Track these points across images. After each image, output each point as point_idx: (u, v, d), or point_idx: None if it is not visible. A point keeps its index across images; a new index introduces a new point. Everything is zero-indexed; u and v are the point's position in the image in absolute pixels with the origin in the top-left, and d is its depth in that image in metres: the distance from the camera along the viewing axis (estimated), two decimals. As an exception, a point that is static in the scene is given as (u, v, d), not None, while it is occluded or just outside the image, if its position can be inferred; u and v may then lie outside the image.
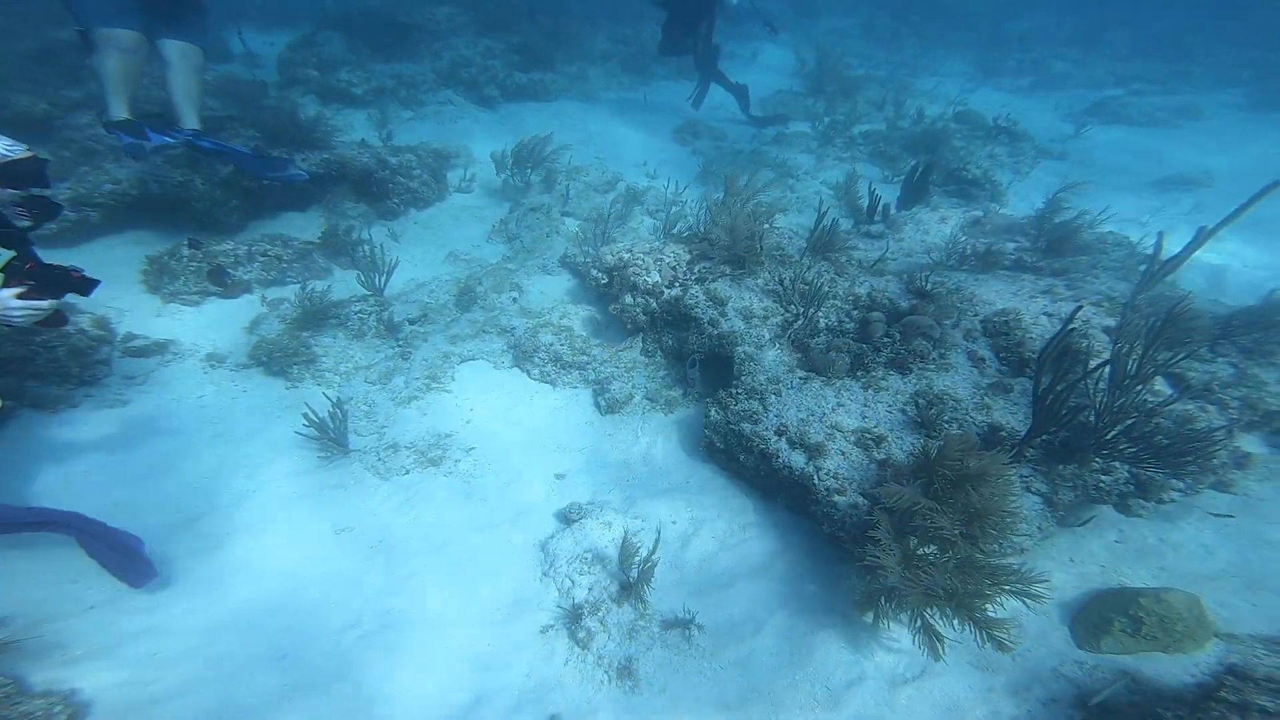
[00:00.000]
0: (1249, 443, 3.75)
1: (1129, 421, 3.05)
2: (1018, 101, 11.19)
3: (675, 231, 5.17)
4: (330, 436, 3.61)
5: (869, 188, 5.65)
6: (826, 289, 4.31)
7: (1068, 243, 4.71)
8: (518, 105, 9.27)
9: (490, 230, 5.91)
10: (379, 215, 5.89)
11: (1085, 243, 4.88)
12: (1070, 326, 2.98)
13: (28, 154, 2.77)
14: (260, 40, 12.37)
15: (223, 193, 5.07)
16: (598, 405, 4.37)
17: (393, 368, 4.24)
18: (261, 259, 4.54)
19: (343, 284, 5.04)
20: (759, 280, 4.37)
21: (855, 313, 4.27)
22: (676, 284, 4.44)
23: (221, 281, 4.26)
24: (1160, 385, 3.70)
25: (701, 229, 4.70)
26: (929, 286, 4.26)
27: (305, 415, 3.57)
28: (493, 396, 4.31)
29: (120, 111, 4.61)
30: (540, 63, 9.69)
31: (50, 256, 4.58)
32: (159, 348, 4.11)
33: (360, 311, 4.36)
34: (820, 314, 4.24)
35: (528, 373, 4.52)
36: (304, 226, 5.50)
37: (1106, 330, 3.89)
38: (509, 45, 9.80)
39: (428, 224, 5.96)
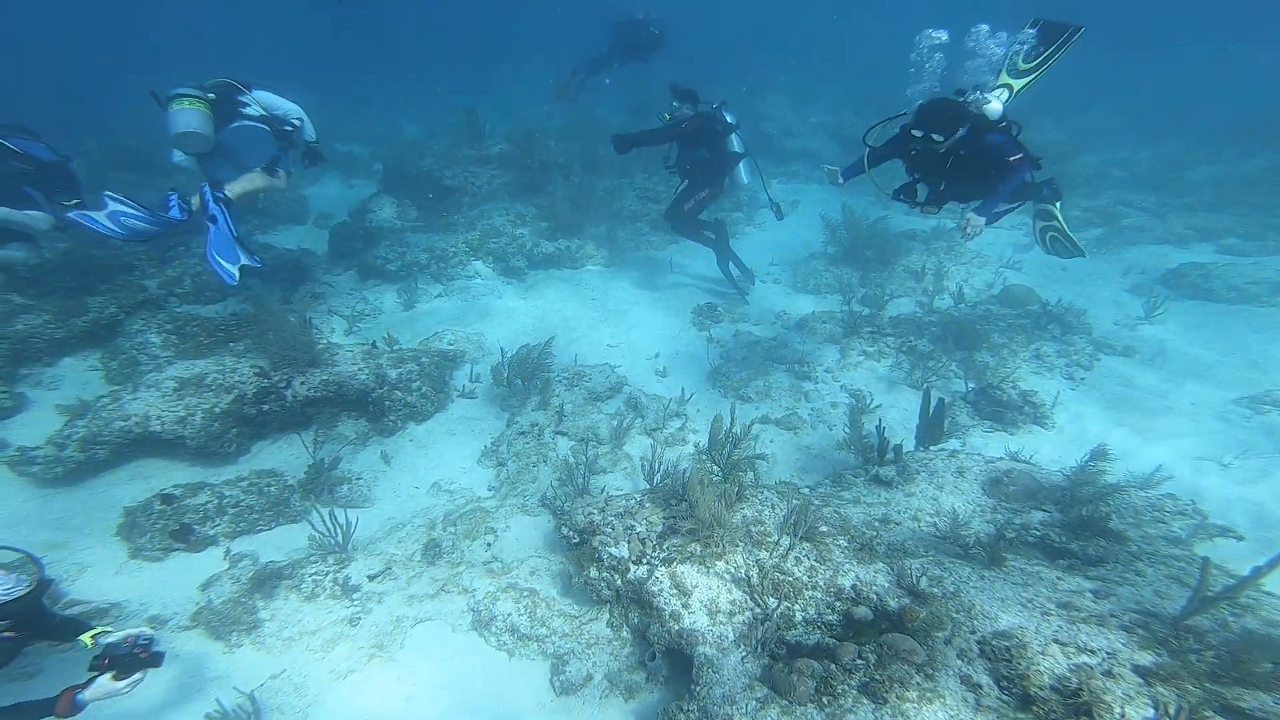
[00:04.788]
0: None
1: None
2: (1080, 264, 10.89)
3: (659, 478, 5.18)
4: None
5: (878, 425, 5.53)
6: (805, 579, 4.14)
7: (1099, 527, 4.36)
8: (543, 274, 9.90)
9: (482, 451, 6.13)
10: (377, 432, 6.26)
11: (1128, 521, 4.49)
12: None
13: (26, 590, 2.98)
14: (339, 188, 14.33)
15: (220, 425, 5.51)
16: (553, 685, 4.25)
17: (339, 634, 4.32)
18: (232, 511, 4.85)
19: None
20: (730, 565, 4.25)
21: (838, 605, 4.05)
22: (644, 561, 4.39)
23: (185, 539, 4.58)
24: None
25: (680, 489, 4.69)
26: (923, 585, 4.01)
27: (208, 715, 3.66)
28: (440, 668, 4.28)
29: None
30: (567, 229, 10.40)
31: (51, 500, 5.12)
32: (100, 612, 4.30)
33: (316, 573, 4.52)
34: (797, 607, 4.05)
35: (485, 639, 4.49)
36: (301, 451, 5.86)
37: (1139, 670, 3.46)
38: (539, 210, 10.66)
39: (423, 441, 6.26)
